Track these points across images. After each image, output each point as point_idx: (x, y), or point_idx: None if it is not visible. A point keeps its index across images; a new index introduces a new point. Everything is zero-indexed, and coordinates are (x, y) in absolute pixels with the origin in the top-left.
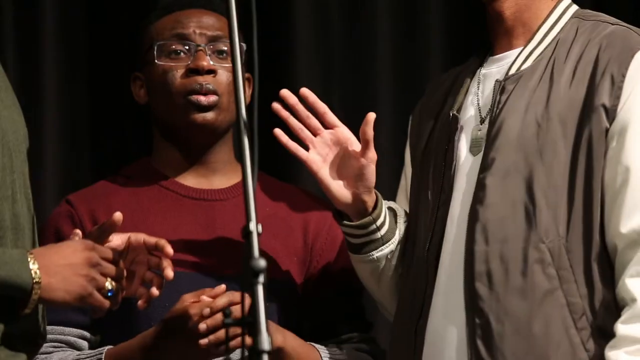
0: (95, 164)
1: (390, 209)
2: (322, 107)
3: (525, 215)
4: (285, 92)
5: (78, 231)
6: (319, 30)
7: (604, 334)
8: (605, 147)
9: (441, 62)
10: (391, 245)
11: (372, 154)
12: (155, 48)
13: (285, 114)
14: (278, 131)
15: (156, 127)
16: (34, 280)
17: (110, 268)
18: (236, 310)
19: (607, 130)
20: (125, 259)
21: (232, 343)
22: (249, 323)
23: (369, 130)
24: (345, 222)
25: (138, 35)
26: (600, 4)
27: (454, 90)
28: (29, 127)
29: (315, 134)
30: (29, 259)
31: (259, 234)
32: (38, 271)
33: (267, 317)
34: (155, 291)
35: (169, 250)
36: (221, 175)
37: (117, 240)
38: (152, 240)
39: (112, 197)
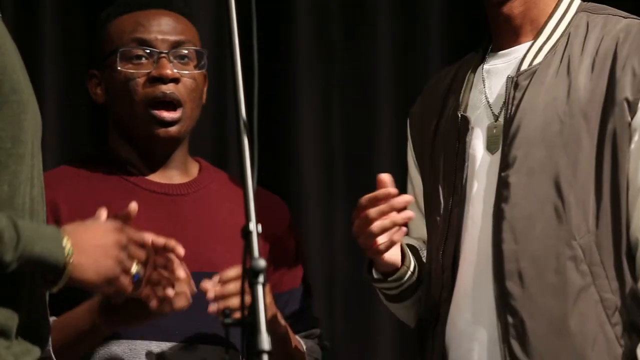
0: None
1: (409, 245)
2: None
3: (555, 213)
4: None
5: (104, 210)
6: (319, 30)
7: (636, 328)
8: (629, 141)
9: (441, 61)
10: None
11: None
12: (118, 54)
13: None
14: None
15: (114, 127)
16: (67, 259)
17: (138, 252)
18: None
19: (629, 124)
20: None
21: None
22: (249, 323)
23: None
24: (381, 279)
25: (96, 31)
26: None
27: (454, 88)
28: None
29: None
30: (62, 237)
31: (258, 234)
32: (71, 250)
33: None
34: (170, 291)
35: (180, 250)
36: (178, 171)
37: None
38: (160, 241)
39: (73, 183)
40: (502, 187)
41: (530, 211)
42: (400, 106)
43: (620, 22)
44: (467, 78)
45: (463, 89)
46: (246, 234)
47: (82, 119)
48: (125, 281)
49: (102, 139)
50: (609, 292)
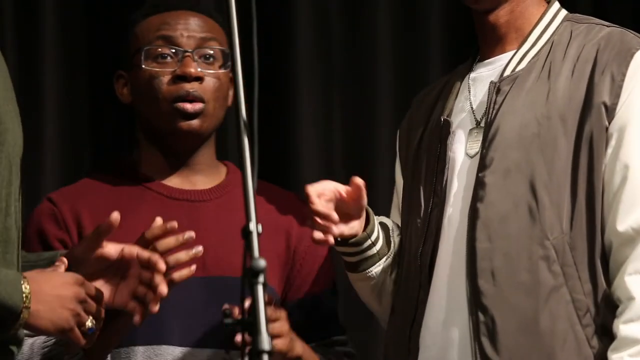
0: (95, 165)
1: (381, 223)
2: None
3: (529, 213)
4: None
5: (64, 260)
6: (319, 30)
7: (607, 331)
8: (605, 145)
9: (441, 61)
10: (388, 260)
11: (362, 185)
12: (143, 53)
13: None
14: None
15: (140, 128)
16: (24, 305)
17: (95, 307)
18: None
19: (607, 128)
20: (118, 270)
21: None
22: (249, 323)
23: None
24: (340, 241)
25: (123, 33)
26: (599, 6)
27: (442, 97)
28: (29, 129)
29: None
30: (22, 282)
31: (258, 234)
32: (29, 296)
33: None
34: (155, 308)
35: (162, 266)
36: (203, 176)
37: (111, 249)
38: (145, 255)
39: (96, 196)
40: (479, 188)
41: (504, 211)
42: (400, 106)
43: (602, 30)
44: (454, 86)
45: (449, 96)
46: (246, 234)
47: (82, 119)
48: (78, 334)
49: (127, 147)
50: (581, 294)
